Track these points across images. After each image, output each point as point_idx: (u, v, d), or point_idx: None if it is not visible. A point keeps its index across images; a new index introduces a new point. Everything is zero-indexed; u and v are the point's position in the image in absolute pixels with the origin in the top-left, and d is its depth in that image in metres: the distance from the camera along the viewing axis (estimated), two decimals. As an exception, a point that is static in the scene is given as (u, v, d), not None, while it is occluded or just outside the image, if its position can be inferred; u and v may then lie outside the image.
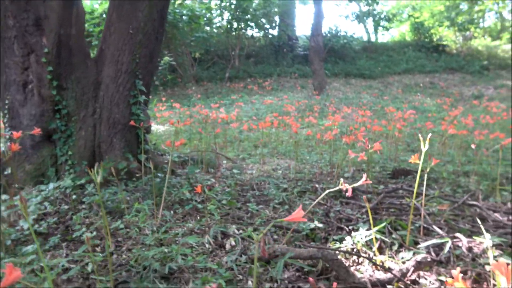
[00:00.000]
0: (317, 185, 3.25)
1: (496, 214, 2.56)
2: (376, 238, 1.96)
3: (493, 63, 19.34)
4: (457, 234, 2.07)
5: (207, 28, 17.93)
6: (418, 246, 1.82)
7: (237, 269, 1.80)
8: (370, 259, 1.72)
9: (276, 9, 18.18)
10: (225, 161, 4.23)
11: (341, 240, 2.04)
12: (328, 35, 19.10)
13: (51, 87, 3.22)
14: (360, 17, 22.64)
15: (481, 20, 24.61)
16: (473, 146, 2.98)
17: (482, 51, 20.85)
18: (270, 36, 19.24)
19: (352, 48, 19.75)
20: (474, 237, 2.06)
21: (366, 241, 2.02)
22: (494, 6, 19.22)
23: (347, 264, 1.84)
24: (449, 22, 21.03)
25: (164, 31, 3.91)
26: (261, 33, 19.50)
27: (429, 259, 1.62)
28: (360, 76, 17.55)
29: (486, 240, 1.69)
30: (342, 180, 1.88)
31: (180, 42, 15.72)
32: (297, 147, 4.39)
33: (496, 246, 1.98)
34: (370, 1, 22.15)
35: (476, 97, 13.83)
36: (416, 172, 3.72)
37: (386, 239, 1.93)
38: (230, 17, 17.04)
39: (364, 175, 1.89)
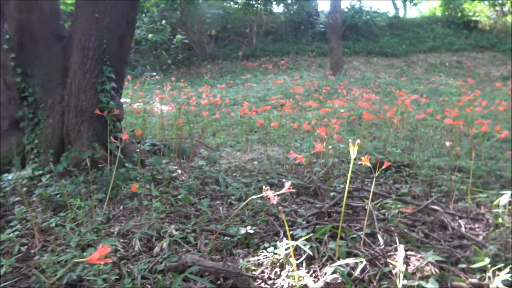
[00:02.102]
0: (284, 180, 3.10)
1: (460, 221, 2.35)
2: (304, 248, 1.82)
3: (528, 40, 18.03)
4: (400, 246, 1.90)
5: (225, 4, 17.58)
6: (337, 263, 1.66)
7: (147, 279, 1.72)
8: (264, 281, 1.59)
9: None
10: (202, 150, 4.13)
11: (267, 248, 1.91)
12: (351, 11, 18.31)
13: (15, 74, 3.19)
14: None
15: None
16: (447, 144, 2.72)
17: (518, 28, 19.43)
18: (290, 12, 18.65)
19: (376, 24, 18.86)
20: (418, 250, 1.89)
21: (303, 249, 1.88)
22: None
23: (266, 277, 1.72)
24: (482, -4, 19.65)
25: (137, 15, 3.77)
26: (282, 9, 18.94)
27: (339, 281, 1.47)
28: (382, 55, 16.81)
29: (398, 261, 1.52)
30: (264, 187, 1.74)
31: (196, 20, 15.51)
32: (267, 135, 4.21)
33: (440, 262, 1.79)
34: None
35: (504, 78, 12.98)
36: (398, 166, 3.50)
37: (309, 251, 1.78)
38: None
39: (288, 183, 1.74)
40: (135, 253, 1.97)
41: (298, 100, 7.36)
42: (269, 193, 1.74)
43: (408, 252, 1.90)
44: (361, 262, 1.61)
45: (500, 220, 2.06)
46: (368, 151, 4.28)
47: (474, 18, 19.68)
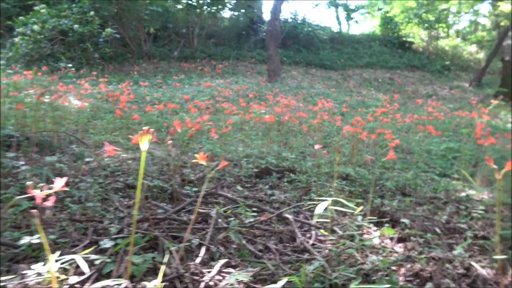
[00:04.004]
0: (145, 181, 2.71)
1: (316, 232, 2.09)
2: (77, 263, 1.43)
3: (455, 63, 19.32)
4: (219, 262, 1.58)
5: (169, 2, 17.00)
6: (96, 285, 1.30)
7: None
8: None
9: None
10: (74, 145, 3.62)
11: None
12: (294, 21, 18.51)
13: None
14: (331, 4, 22.12)
15: (454, 21, 24.56)
16: (316, 147, 2.51)
17: (448, 51, 20.80)
18: (234, 16, 18.49)
19: (318, 37, 19.20)
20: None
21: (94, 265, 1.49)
22: (459, 6, 19.02)
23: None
24: (417, 20, 20.80)
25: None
26: (228, 14, 18.75)
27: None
28: (321, 67, 17.09)
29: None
30: (30, 183, 1.34)
31: (133, 15, 14.79)
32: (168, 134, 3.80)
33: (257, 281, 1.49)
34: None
35: (429, 96, 13.64)
36: (281, 171, 3.25)
37: (85, 268, 1.39)
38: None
39: (62, 180, 1.35)
40: None
41: (217, 102, 7.04)
42: (36, 192, 1.35)
43: (229, 269, 1.59)
44: (119, 284, 1.25)
45: (324, 232, 1.82)
46: (262, 155, 4.02)
47: (409, 39, 20.76)
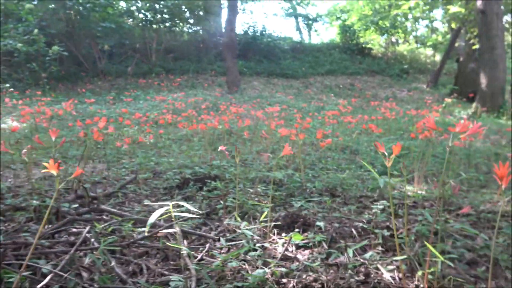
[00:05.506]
0: (34, 202, 2.35)
1: (209, 245, 1.80)
2: None
3: (414, 67, 19.80)
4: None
5: (125, 18, 16.61)
6: None
7: None
8: None
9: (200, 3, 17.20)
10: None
11: None
12: (251, 32, 18.52)
13: None
14: (290, 14, 22.36)
15: (413, 27, 25.28)
16: (220, 148, 2.25)
17: (406, 56, 21.33)
18: (191, 31, 18.32)
19: (279, 47, 19.26)
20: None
21: None
22: (411, 11, 19.55)
23: None
24: (374, 26, 21.24)
25: None
26: (182, 28, 18.51)
27: None
28: (283, 76, 17.07)
29: None
30: None
31: (85, 32, 14.33)
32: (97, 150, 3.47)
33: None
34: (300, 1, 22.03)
35: (387, 99, 13.78)
36: (201, 179, 2.97)
37: None
38: (145, 8, 15.87)
39: None
40: None
41: (161, 114, 6.71)
42: None
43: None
44: None
45: (171, 245, 1.54)
46: (192, 164, 3.73)
47: (368, 45, 21.15)
